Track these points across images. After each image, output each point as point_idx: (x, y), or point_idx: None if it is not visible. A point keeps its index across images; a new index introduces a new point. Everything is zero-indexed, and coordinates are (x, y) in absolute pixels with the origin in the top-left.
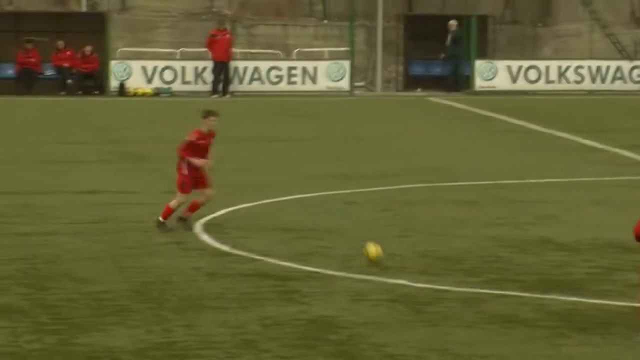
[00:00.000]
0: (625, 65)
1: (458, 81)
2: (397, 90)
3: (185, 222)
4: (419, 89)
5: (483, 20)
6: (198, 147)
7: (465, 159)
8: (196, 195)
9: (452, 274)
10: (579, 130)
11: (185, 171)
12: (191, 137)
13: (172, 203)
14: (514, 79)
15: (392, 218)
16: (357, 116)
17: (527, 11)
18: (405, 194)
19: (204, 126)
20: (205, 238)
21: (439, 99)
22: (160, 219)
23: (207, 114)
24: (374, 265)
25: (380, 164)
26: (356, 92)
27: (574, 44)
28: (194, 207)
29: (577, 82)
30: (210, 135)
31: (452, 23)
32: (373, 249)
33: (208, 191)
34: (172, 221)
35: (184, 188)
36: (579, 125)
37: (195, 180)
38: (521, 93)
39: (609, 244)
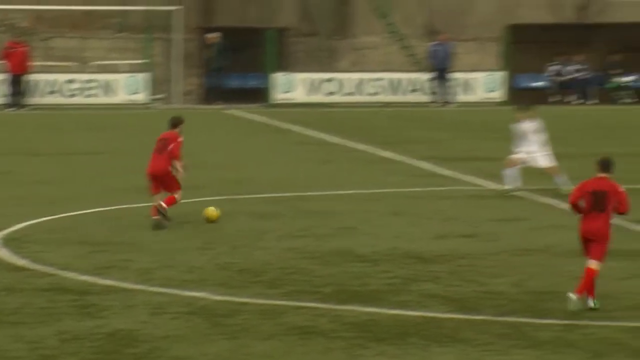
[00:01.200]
0: (421, 77)
1: (223, 93)
2: (197, 103)
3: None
4: (218, 102)
5: (281, 32)
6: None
7: (265, 171)
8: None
9: (251, 286)
10: (377, 142)
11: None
12: (180, 140)
13: (178, 197)
14: (312, 91)
15: (192, 230)
16: (155, 129)
17: (324, 23)
18: (206, 207)
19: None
20: (3, 252)
21: (238, 111)
22: (164, 205)
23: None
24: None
25: None
26: (155, 105)
27: (371, 56)
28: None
29: (374, 94)
30: None
31: (212, 36)
32: (211, 214)
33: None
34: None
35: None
36: (376, 137)
37: None
38: (319, 105)
39: (406, 254)
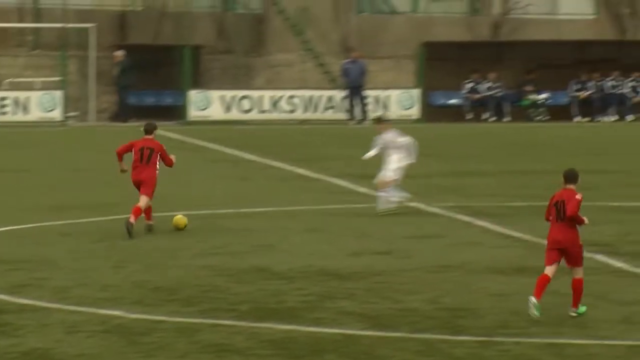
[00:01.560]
0: (337, 94)
1: (126, 111)
2: (112, 121)
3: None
4: (132, 119)
5: (196, 50)
6: None
7: (181, 189)
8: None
9: (167, 304)
10: (293, 159)
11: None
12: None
13: (143, 206)
14: (228, 109)
15: (107, 249)
16: (70, 147)
17: (240, 41)
18: (121, 224)
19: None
20: None
21: None
22: (132, 221)
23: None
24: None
25: (95, 194)
26: (69, 122)
27: (287, 73)
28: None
29: (290, 112)
30: None
31: (118, 54)
32: (180, 222)
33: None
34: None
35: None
36: (292, 155)
37: None
38: (235, 123)
39: (321, 271)
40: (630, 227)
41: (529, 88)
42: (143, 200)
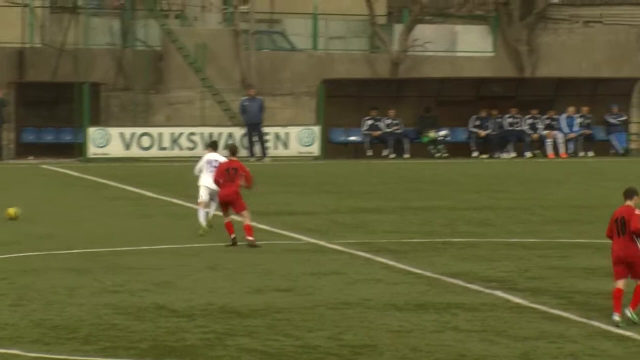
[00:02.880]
0: (237, 131)
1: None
2: (9, 158)
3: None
4: (31, 157)
5: (95, 87)
6: None
7: (79, 227)
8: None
9: (66, 342)
10: (193, 196)
11: None
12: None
13: (250, 221)
14: (127, 146)
15: (5, 287)
16: None
17: (139, 78)
18: (19, 263)
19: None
20: None
21: (52, 166)
22: (251, 238)
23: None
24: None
25: None
26: None
27: (187, 110)
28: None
29: (190, 149)
30: None
31: None
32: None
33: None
34: None
35: None
36: (192, 192)
37: None
38: (135, 160)
39: (221, 309)
40: (529, 263)
41: (428, 125)
42: (245, 217)
